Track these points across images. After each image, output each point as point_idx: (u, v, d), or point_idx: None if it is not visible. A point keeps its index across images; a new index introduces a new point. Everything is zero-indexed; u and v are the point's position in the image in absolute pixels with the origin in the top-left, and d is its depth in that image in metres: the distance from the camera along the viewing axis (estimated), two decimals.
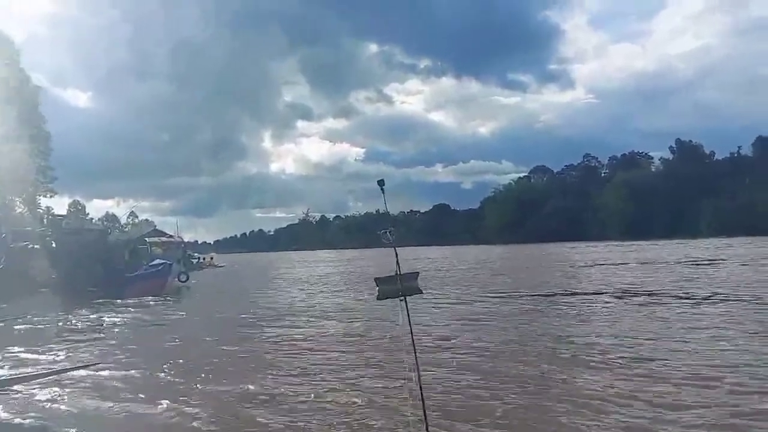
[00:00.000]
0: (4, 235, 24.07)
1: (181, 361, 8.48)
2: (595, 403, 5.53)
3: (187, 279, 27.39)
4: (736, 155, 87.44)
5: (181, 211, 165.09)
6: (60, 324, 13.69)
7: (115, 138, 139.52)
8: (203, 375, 7.46)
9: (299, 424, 5.41)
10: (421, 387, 3.66)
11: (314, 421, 5.44)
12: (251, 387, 6.77)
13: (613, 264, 27.39)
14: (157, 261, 24.64)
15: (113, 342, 10.81)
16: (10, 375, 8.02)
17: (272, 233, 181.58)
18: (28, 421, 5.93)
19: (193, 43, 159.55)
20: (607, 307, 12.50)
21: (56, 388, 7.06)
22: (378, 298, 3.94)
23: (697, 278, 17.87)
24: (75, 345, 10.48)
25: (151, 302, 18.37)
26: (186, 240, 49.23)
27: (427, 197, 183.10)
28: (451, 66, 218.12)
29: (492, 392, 6.10)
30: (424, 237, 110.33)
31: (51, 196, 46.00)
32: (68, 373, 8.03)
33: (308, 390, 6.52)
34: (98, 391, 6.92)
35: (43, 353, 9.63)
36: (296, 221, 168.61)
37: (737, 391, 5.78)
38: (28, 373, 8.17)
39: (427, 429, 3.75)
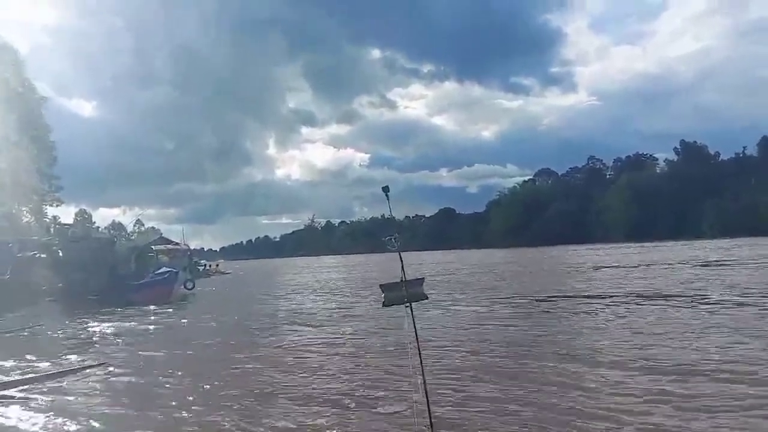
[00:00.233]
0: (10, 245, 24.17)
1: (182, 366, 8.53)
2: (615, 415, 5.32)
3: (194, 286, 27.47)
4: (741, 156, 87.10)
5: (187, 218, 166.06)
6: (67, 332, 13.73)
7: (121, 146, 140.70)
8: (204, 379, 7.49)
9: None
10: (427, 397, 3.67)
11: None
12: (255, 394, 6.79)
13: (621, 267, 27.27)
14: (163, 269, 24.69)
15: (119, 348, 10.86)
16: (18, 378, 8.23)
17: (278, 239, 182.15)
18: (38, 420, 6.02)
19: (196, 50, 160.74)
20: (618, 311, 12.35)
21: (62, 389, 7.12)
22: (384, 305, 3.95)
23: (708, 279, 17.75)
24: (82, 353, 10.50)
25: (157, 310, 18.40)
26: (192, 247, 49.35)
27: (432, 202, 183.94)
28: (453, 70, 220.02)
29: (500, 405, 6.04)
30: (429, 242, 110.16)
31: (57, 206, 46.28)
32: (75, 374, 8.36)
33: (310, 401, 6.43)
34: (105, 393, 6.99)
35: (50, 360, 9.67)
36: (302, 227, 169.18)
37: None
38: (34, 375, 8.41)
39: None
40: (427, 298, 4.04)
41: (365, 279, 30.03)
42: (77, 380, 8.11)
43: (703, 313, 11.24)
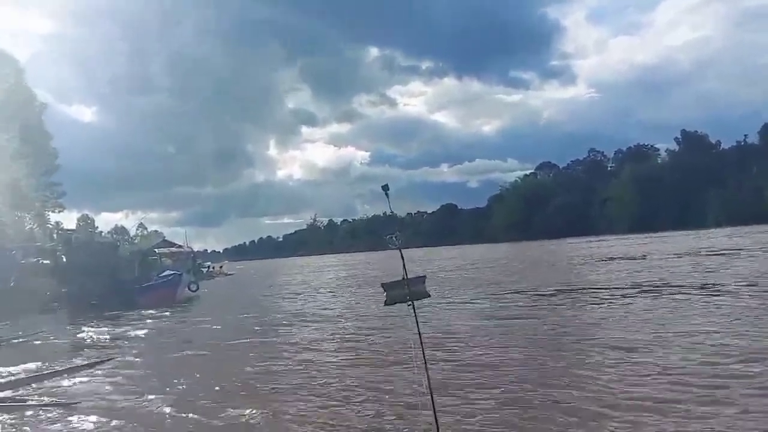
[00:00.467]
0: (14, 252, 24.25)
1: (185, 366, 8.57)
2: (629, 416, 5.15)
3: (198, 288, 27.51)
4: (742, 143, 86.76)
5: (190, 221, 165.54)
6: (74, 338, 13.77)
7: (122, 151, 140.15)
8: (207, 378, 7.51)
9: None
10: (432, 394, 3.67)
11: None
12: (257, 390, 6.80)
13: (628, 258, 27.25)
14: (167, 272, 24.77)
15: (125, 351, 10.88)
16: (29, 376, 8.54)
17: (281, 240, 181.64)
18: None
19: (194, 54, 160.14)
20: (628, 304, 12.34)
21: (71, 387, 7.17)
22: (386, 304, 3.95)
23: (718, 269, 17.71)
24: (88, 357, 10.51)
25: (161, 313, 18.46)
26: (195, 249, 49.41)
27: (433, 198, 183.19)
28: (452, 66, 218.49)
29: (506, 401, 6.05)
30: (431, 238, 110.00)
31: (60, 211, 46.36)
32: (81, 371, 8.82)
33: (310, 406, 6.31)
34: (113, 390, 7.05)
35: (61, 363, 9.72)
36: (304, 227, 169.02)
37: None
38: (43, 373, 8.82)
39: None
40: (429, 296, 4.04)
41: (367, 277, 30.05)
42: (85, 379, 8.37)
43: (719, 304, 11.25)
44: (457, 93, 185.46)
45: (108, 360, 9.78)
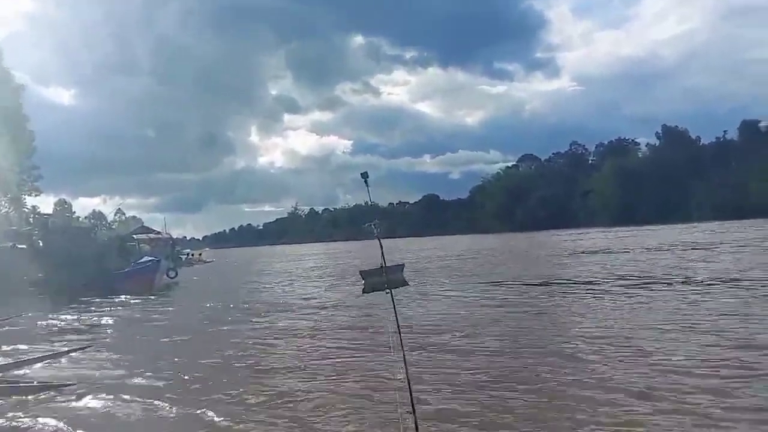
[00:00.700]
0: None
1: (161, 353, 8.52)
2: (607, 410, 5.07)
3: (176, 275, 27.32)
4: (722, 139, 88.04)
5: (169, 207, 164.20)
6: (48, 323, 13.55)
7: (100, 135, 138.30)
8: (181, 366, 7.46)
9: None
10: (409, 382, 3.68)
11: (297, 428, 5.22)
12: (230, 386, 6.78)
13: (608, 251, 27.59)
14: (145, 258, 24.52)
15: (101, 338, 10.76)
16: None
17: (261, 227, 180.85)
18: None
19: (177, 38, 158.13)
20: (606, 297, 12.48)
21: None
22: (364, 291, 3.95)
23: (698, 262, 18.02)
24: (67, 342, 10.38)
25: (138, 299, 18.29)
26: (175, 236, 48.99)
27: (415, 188, 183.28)
28: (437, 56, 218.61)
29: (483, 389, 6.10)
30: (415, 228, 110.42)
31: (36, 195, 45.36)
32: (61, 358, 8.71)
33: (290, 396, 6.17)
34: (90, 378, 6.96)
35: (41, 348, 9.62)
36: (285, 215, 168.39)
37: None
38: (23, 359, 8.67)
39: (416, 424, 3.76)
40: (407, 284, 4.04)
41: (347, 265, 30.08)
42: (64, 364, 8.31)
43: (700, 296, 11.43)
44: (441, 83, 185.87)
45: (89, 345, 9.71)
